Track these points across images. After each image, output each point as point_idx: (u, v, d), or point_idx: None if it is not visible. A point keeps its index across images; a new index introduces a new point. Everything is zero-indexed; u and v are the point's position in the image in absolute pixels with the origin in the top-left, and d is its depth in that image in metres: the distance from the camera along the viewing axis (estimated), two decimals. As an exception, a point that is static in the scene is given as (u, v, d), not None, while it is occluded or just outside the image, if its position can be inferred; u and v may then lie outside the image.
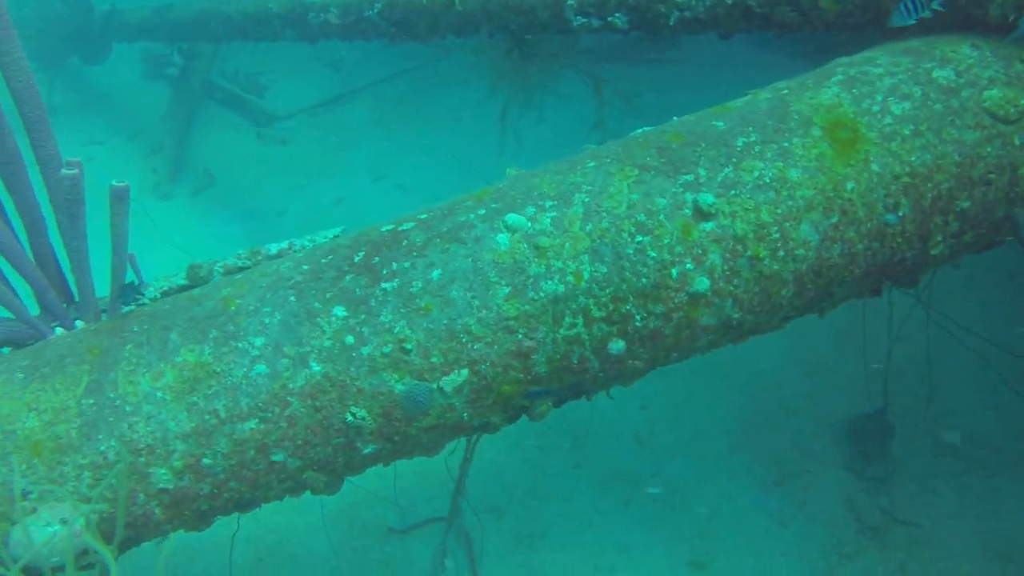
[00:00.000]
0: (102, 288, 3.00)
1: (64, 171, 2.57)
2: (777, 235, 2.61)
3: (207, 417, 2.41)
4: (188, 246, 6.74)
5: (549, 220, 2.58)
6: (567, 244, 2.54)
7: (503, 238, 2.55)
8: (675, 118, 3.08)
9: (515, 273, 2.51)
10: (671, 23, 3.68)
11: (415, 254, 2.55)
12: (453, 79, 9.06)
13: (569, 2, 4.00)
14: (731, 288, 2.63)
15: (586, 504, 4.66)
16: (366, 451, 2.57)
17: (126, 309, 3.00)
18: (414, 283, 2.50)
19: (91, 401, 2.42)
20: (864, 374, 4.94)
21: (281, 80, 9.77)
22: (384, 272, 2.53)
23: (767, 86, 3.05)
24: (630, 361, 2.71)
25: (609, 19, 3.90)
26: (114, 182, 2.65)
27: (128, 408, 2.41)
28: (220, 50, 9.06)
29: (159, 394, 2.42)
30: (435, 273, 2.51)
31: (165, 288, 3.09)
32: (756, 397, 5.07)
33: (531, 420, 2.82)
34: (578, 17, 4.00)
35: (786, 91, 2.90)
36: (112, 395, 2.42)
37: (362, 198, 7.73)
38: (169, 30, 7.85)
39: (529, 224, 2.57)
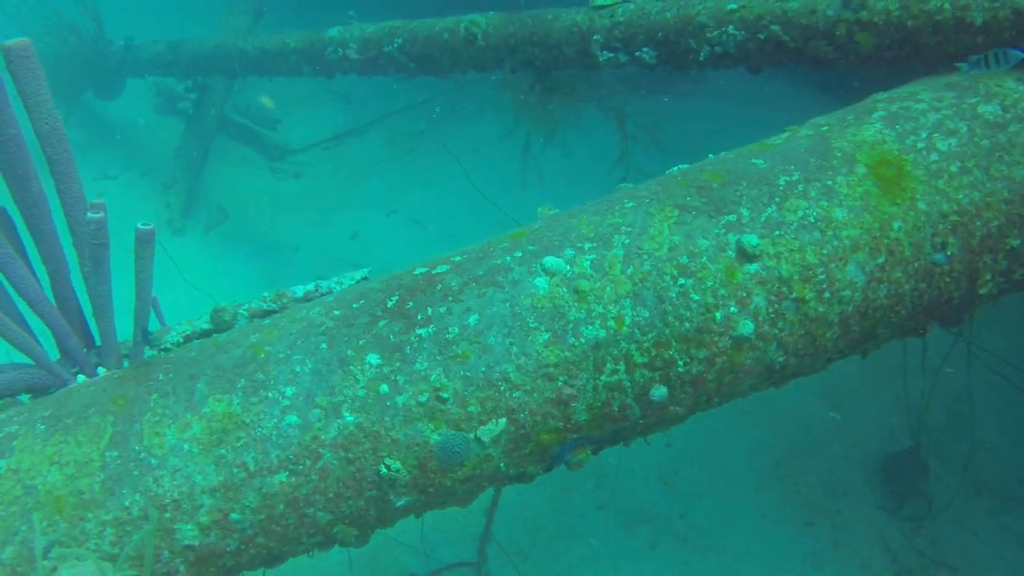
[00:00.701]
0: (123, 331, 2.93)
1: (90, 215, 2.50)
2: (823, 276, 2.53)
3: (235, 470, 2.32)
4: (202, 283, 6.68)
5: (588, 263, 2.50)
6: (608, 288, 2.46)
7: (541, 282, 2.47)
8: (711, 155, 3.02)
9: (554, 318, 2.43)
10: (701, 58, 3.63)
11: (450, 299, 2.47)
12: (466, 112, 9.06)
13: (595, 37, 3.96)
14: (776, 331, 2.55)
15: (612, 546, 4.53)
16: (399, 504, 2.47)
17: (149, 354, 2.92)
18: (450, 329, 2.41)
19: (115, 454, 2.33)
20: (894, 409, 4.81)
21: (294, 113, 9.77)
22: (419, 318, 2.44)
23: (805, 122, 2.99)
24: (672, 407, 2.62)
25: (637, 54, 3.85)
26: (140, 224, 2.58)
27: (154, 461, 2.32)
28: (232, 86, 9.07)
29: (186, 446, 2.33)
30: (472, 319, 2.42)
31: (188, 332, 3.01)
32: (784, 433, 4.95)
33: (569, 470, 2.72)
34: (605, 52, 3.95)
35: (826, 127, 2.84)
36: (137, 447, 2.33)
37: (377, 232, 7.68)
38: (183, 65, 7.86)
39: (568, 267, 2.49)
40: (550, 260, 2.50)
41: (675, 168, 2.97)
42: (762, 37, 3.39)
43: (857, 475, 4.73)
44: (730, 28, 3.47)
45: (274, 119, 9.57)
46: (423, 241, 7.38)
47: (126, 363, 2.92)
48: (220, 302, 3.29)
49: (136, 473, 2.30)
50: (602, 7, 3.98)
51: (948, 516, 4.47)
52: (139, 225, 2.58)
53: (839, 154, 2.68)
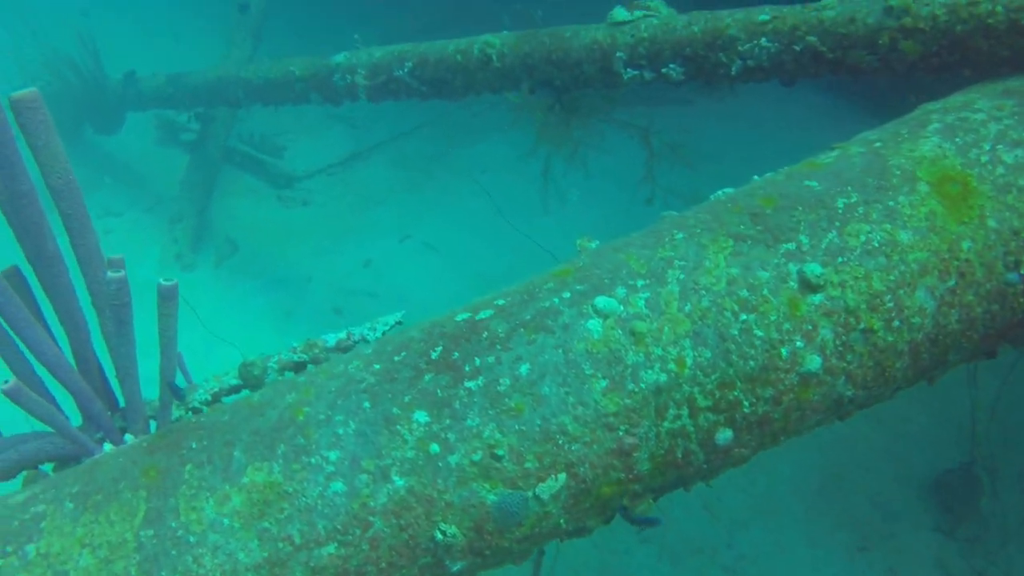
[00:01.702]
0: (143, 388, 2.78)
1: (110, 274, 2.36)
2: (891, 304, 2.38)
3: (280, 544, 2.16)
4: (215, 318, 6.54)
5: (643, 302, 2.35)
6: (666, 328, 2.31)
7: (595, 324, 2.32)
8: (755, 177, 2.87)
9: (611, 363, 2.27)
10: (732, 73, 3.49)
11: (499, 347, 2.32)
12: (473, 131, 8.93)
13: (618, 54, 3.82)
14: (844, 364, 2.39)
15: (658, 582, 4.36)
16: (455, 569, 2.31)
17: (176, 414, 2.77)
18: (501, 380, 2.26)
19: (151, 532, 2.17)
20: (938, 424, 4.64)
21: (298, 139, 9.64)
22: (467, 369, 2.29)
23: (853, 139, 2.85)
24: (737, 450, 2.46)
25: (663, 71, 3.70)
26: (162, 280, 2.44)
27: (192, 539, 2.16)
28: (235, 116, 8.94)
29: (226, 521, 2.17)
30: (523, 368, 2.27)
31: (216, 389, 2.86)
32: (829, 455, 4.79)
33: (629, 522, 2.56)
34: (628, 70, 3.81)
35: (879, 144, 2.69)
36: (174, 524, 2.18)
37: (390, 259, 7.53)
38: (185, 98, 7.74)
39: (621, 307, 2.34)
40: (602, 300, 2.35)
41: (720, 192, 2.83)
42: (798, 48, 3.25)
43: (907, 495, 4.56)
44: (763, 40, 3.33)
45: (278, 146, 9.44)
46: (437, 267, 7.23)
47: (152, 425, 2.77)
48: (236, 344, 3.13)
49: (174, 553, 2.14)
50: (623, 23, 3.84)
51: (1007, 535, 4.29)
52: (161, 281, 2.44)
53: (898, 172, 2.54)
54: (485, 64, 4.48)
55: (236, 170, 9.24)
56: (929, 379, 2.76)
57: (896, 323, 2.39)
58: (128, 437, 2.63)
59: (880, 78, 3.19)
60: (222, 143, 8.88)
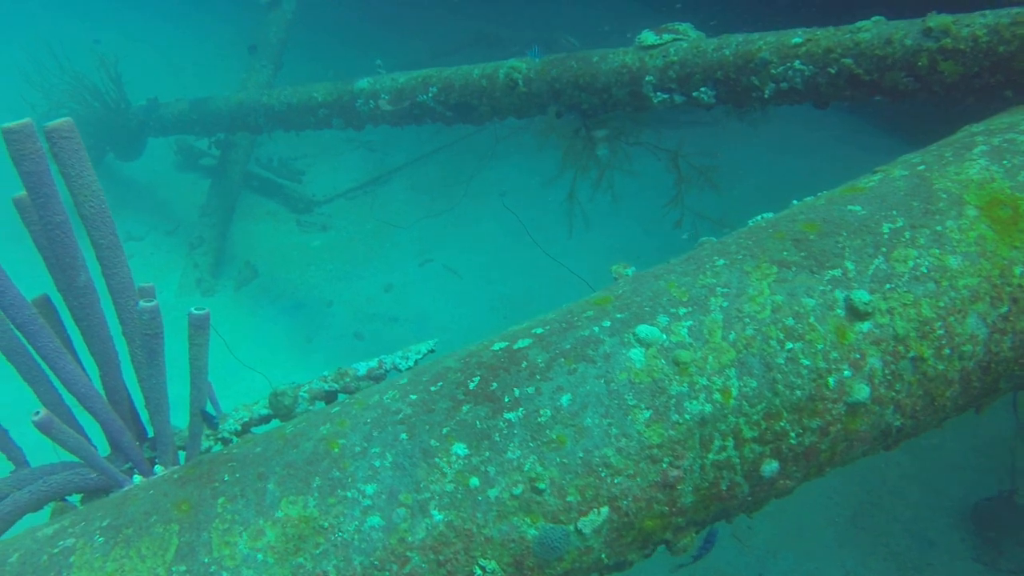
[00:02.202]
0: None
1: (142, 304, 2.32)
2: (941, 331, 2.31)
3: (316, 581, 2.09)
4: (236, 343, 6.51)
5: (686, 330, 2.29)
6: (710, 357, 2.25)
7: (637, 354, 2.26)
8: (794, 202, 2.82)
9: (655, 394, 2.21)
10: (765, 96, 3.44)
11: (538, 377, 2.26)
12: (493, 155, 8.93)
13: (648, 78, 3.79)
14: (892, 394, 2.32)
15: (690, 612, 4.26)
16: (493, 606, 2.24)
17: (205, 445, 2.72)
18: (542, 412, 2.20)
19: (183, 568, 2.12)
20: (973, 451, 4.53)
21: (317, 164, 9.67)
22: (506, 400, 2.23)
23: (894, 162, 2.79)
24: (782, 481, 2.39)
25: (694, 94, 3.66)
26: (193, 309, 2.41)
27: (225, 575, 2.10)
28: (255, 142, 8.99)
29: (260, 556, 2.12)
30: (564, 399, 2.21)
31: (246, 419, 2.82)
32: (861, 482, 4.68)
33: (672, 555, 2.48)
34: (658, 93, 3.78)
35: (923, 167, 2.63)
36: (206, 560, 2.12)
37: (411, 284, 7.49)
38: (206, 124, 7.78)
39: (664, 336, 2.28)
40: (644, 329, 2.29)
41: (758, 217, 2.78)
42: (832, 71, 3.21)
43: (944, 524, 4.44)
44: (796, 63, 3.29)
45: (297, 171, 9.46)
46: (459, 290, 7.19)
47: (182, 456, 2.72)
48: (262, 372, 3.09)
49: (207, 589, 2.08)
50: (652, 47, 3.82)
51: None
52: (192, 310, 2.40)
53: (944, 196, 2.48)
54: (511, 89, 4.47)
55: (255, 195, 9.26)
56: (977, 407, 2.68)
57: (947, 351, 2.32)
58: (158, 468, 2.58)
59: (918, 100, 3.14)
60: (242, 168, 8.91)
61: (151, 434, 2.72)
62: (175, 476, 2.39)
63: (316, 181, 9.39)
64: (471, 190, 8.53)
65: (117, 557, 2.16)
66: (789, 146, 8.31)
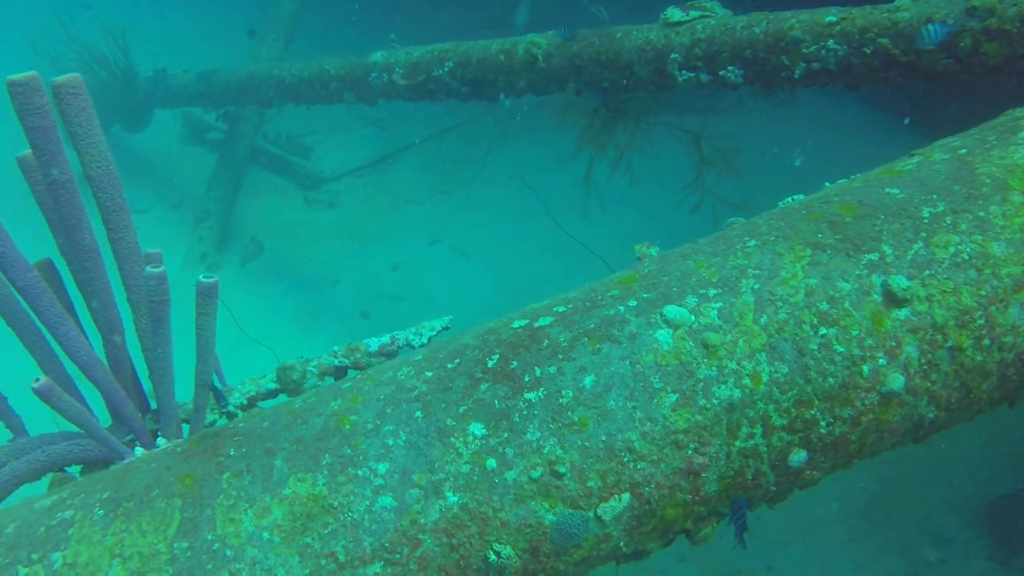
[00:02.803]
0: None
1: (148, 269, 2.23)
2: (982, 321, 2.21)
3: (324, 562, 2.01)
4: (241, 319, 6.41)
5: (716, 312, 2.19)
6: (740, 341, 2.15)
7: (664, 335, 2.16)
8: (827, 184, 2.71)
9: (682, 377, 2.12)
10: (796, 76, 3.33)
11: (560, 356, 2.17)
12: (505, 136, 8.80)
13: (673, 56, 3.67)
14: (928, 385, 2.23)
15: (697, 604, 4.18)
16: (506, 593, 2.15)
17: (210, 419, 2.64)
18: (563, 392, 2.11)
19: (185, 545, 2.03)
20: (988, 447, 4.44)
21: (326, 141, 9.55)
22: (526, 380, 2.14)
23: (932, 145, 2.68)
24: (808, 472, 2.30)
25: (721, 73, 3.55)
26: (201, 277, 2.31)
27: (229, 553, 2.02)
28: (264, 115, 8.86)
29: (265, 535, 2.03)
30: (587, 380, 2.12)
31: (252, 393, 2.73)
32: (874, 476, 4.59)
33: (693, 544, 2.40)
34: (684, 72, 3.66)
35: (964, 151, 2.52)
36: (210, 537, 2.04)
37: (419, 263, 7.39)
38: (215, 96, 7.66)
39: (693, 318, 2.18)
40: (671, 310, 2.19)
41: (789, 199, 2.67)
42: (868, 51, 3.09)
43: (958, 520, 4.35)
44: (830, 42, 3.17)
45: (306, 147, 9.34)
46: (467, 271, 7.09)
47: (185, 429, 2.64)
48: (270, 346, 3.01)
49: (210, 567, 2.00)
50: (679, 23, 3.70)
51: (1065, 566, 4.08)
52: (200, 278, 2.31)
53: (988, 180, 2.37)
54: (530, 64, 4.35)
55: (263, 170, 9.15)
56: (1011, 402, 2.59)
57: (986, 341, 2.22)
58: (160, 441, 2.50)
59: (958, 82, 3.02)
60: (250, 142, 8.80)
61: (154, 406, 2.63)
62: (179, 449, 2.30)
63: (325, 158, 9.28)
64: (482, 172, 8.41)
65: (117, 531, 2.07)
66: (801, 140, 8.17)
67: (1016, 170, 2.38)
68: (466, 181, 8.20)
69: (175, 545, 2.04)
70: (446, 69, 4.83)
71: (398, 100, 5.46)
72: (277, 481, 2.10)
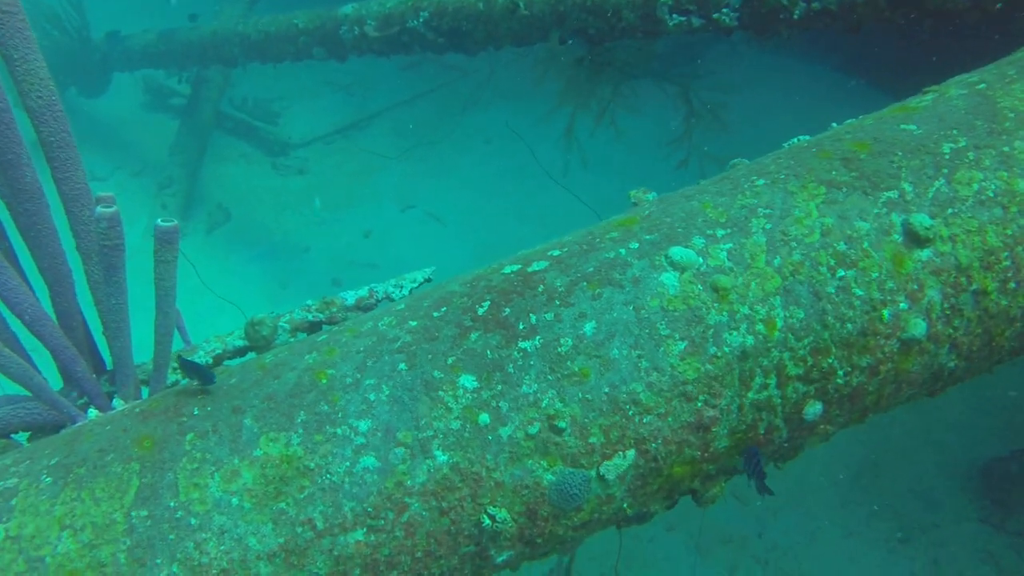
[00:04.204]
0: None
1: (100, 209, 2.00)
2: (1008, 263, 2.07)
3: (300, 529, 1.82)
4: (206, 288, 6.15)
5: (725, 253, 2.02)
6: (753, 283, 1.98)
7: (670, 278, 1.98)
8: (834, 125, 2.54)
9: (691, 323, 1.95)
10: (794, 17, 3.14)
11: (558, 302, 1.98)
12: (473, 101, 8.56)
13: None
14: (950, 331, 2.08)
15: (687, 572, 4.05)
16: (500, 559, 1.99)
17: (172, 379, 2.42)
18: (562, 340, 1.92)
19: (144, 513, 1.83)
20: (977, 410, 4.35)
21: (293, 106, 9.22)
22: (521, 327, 1.95)
23: (946, 82, 2.52)
24: (823, 426, 2.15)
25: (715, 16, 3.35)
26: (160, 221, 2.09)
27: (193, 521, 1.82)
28: (229, 78, 8.51)
29: (234, 500, 1.83)
30: (588, 327, 1.93)
31: (218, 352, 2.51)
32: (864, 441, 4.49)
33: (699, 506, 2.24)
34: (674, 16, 3.46)
35: (983, 85, 2.36)
36: (172, 503, 1.83)
37: (392, 229, 7.16)
38: (177, 55, 7.31)
39: (701, 260, 2.01)
40: (677, 251, 2.01)
41: (794, 140, 2.50)
42: (873, -13, 2.91)
43: (950, 484, 4.28)
44: (832, -22, 2.99)
45: (273, 112, 9.01)
46: (441, 237, 6.87)
47: (145, 391, 2.42)
48: (241, 308, 2.80)
49: (172, 537, 1.80)
50: (669, -37, 3.49)
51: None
52: (159, 221, 2.08)
53: (1012, 115, 2.21)
54: (511, 12, 4.12)
55: (228, 136, 8.81)
56: (1028, 354, 2.46)
57: (1012, 284, 2.08)
58: (116, 402, 2.27)
59: (968, 22, 2.86)
60: (215, 106, 8.45)
61: (110, 365, 2.41)
62: (136, 410, 2.08)
63: (293, 123, 8.96)
64: (455, 136, 8.17)
65: (67, 500, 1.86)
66: (775, 110, 8.03)
67: (1041, 103, 2.23)
68: (438, 146, 7.93)
69: (133, 513, 1.83)
70: (421, 20, 4.59)
71: (370, 55, 5.20)
72: (247, 441, 1.90)
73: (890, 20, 3.04)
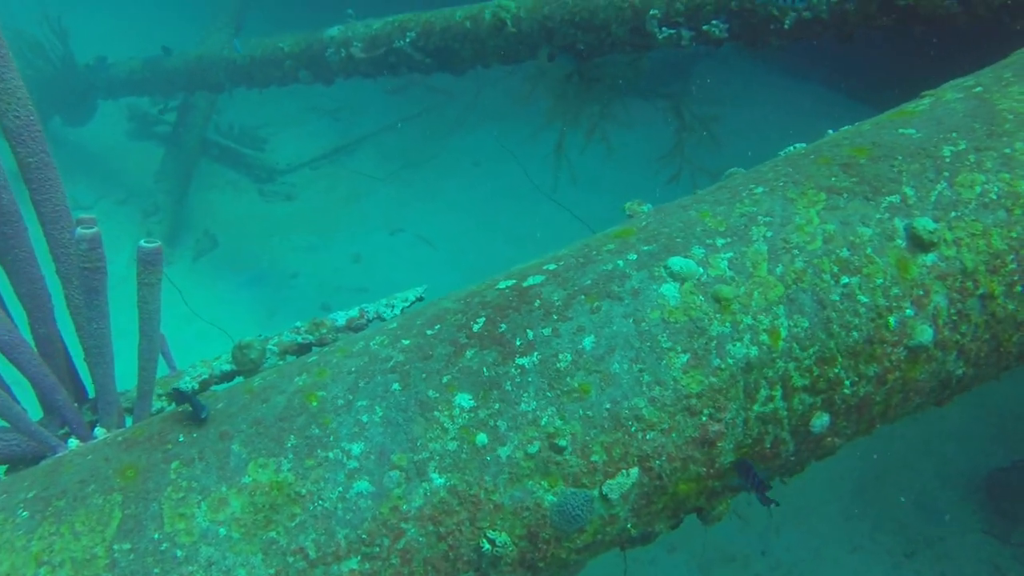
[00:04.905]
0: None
1: (80, 231, 1.93)
2: (1014, 265, 2.02)
3: (292, 559, 1.74)
4: (194, 316, 6.06)
5: (726, 263, 1.96)
6: (755, 293, 1.93)
7: (670, 289, 1.93)
8: (829, 131, 2.51)
9: (693, 335, 1.89)
10: (785, 27, 3.12)
11: (555, 317, 1.92)
12: (460, 124, 8.53)
13: (652, 12, 3.45)
14: (957, 337, 2.03)
15: (689, 595, 3.97)
16: (500, 586, 1.90)
17: (158, 406, 2.34)
18: (561, 356, 1.86)
19: (127, 546, 1.75)
20: (977, 419, 4.30)
21: (279, 133, 9.18)
22: (518, 343, 1.89)
23: (941, 87, 2.49)
24: (830, 439, 2.09)
25: (705, 28, 3.33)
26: (143, 242, 2.03)
27: (180, 553, 1.73)
28: (215, 104, 8.46)
29: (222, 530, 1.75)
30: (587, 341, 1.87)
31: (205, 376, 2.43)
32: (865, 453, 4.43)
33: (705, 524, 2.17)
34: (664, 29, 3.44)
35: (979, 88, 2.34)
36: (156, 536, 1.75)
37: (380, 253, 7.09)
38: (162, 82, 7.26)
39: (701, 270, 1.95)
40: (677, 262, 1.96)
41: (791, 148, 2.46)
42: (863, -5, 2.90)
43: (954, 496, 4.22)
44: (822, -13, 2.97)
45: (260, 139, 8.96)
46: (432, 260, 6.81)
47: (129, 420, 2.33)
48: (229, 334, 2.73)
49: (157, 571, 1.72)
50: (657, -24, 3.47)
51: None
52: (142, 242, 2.02)
53: (1011, 117, 2.18)
54: (498, 30, 4.10)
55: (215, 163, 8.75)
56: (1034, 361, 2.41)
57: (1019, 288, 2.03)
58: (99, 432, 2.19)
59: (955, 27, 2.84)
60: (200, 132, 8.39)
61: (92, 393, 2.33)
62: (119, 439, 2.00)
63: (279, 150, 8.91)
64: (442, 159, 8.13)
65: (45, 535, 1.77)
66: (759, 127, 8.03)
67: (1039, 105, 2.20)
68: (426, 169, 7.87)
69: (115, 547, 1.75)
70: (408, 40, 4.56)
71: (357, 77, 5.17)
72: (235, 468, 1.82)
73: (883, 27, 3.02)
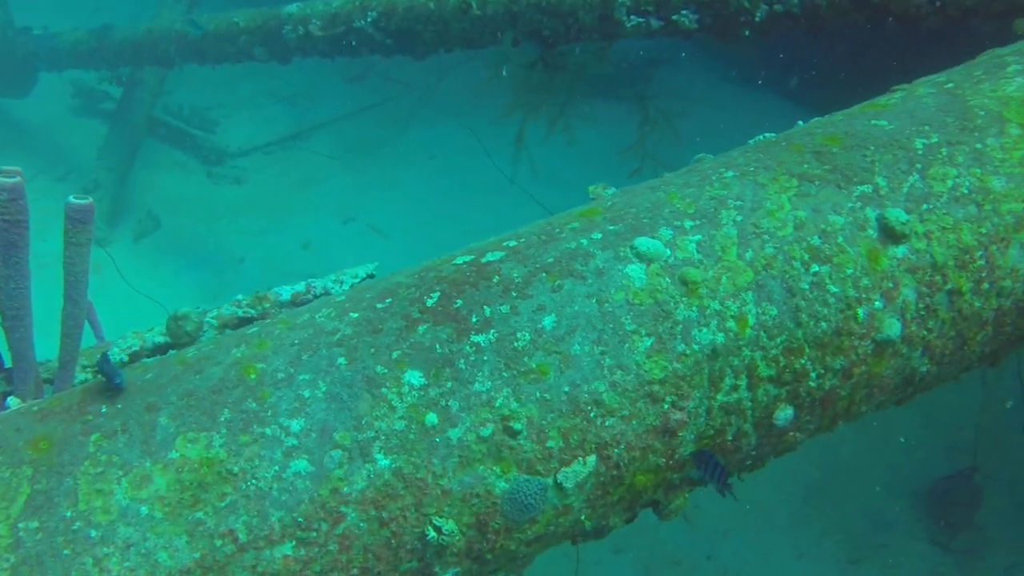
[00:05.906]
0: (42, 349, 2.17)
1: (0, 179, 1.77)
2: (982, 262, 1.99)
3: (219, 542, 1.60)
4: (131, 298, 5.81)
5: (694, 245, 1.89)
6: (724, 277, 1.85)
7: (635, 270, 1.84)
8: (800, 123, 2.46)
9: (658, 318, 1.80)
10: (756, 19, 3.08)
11: (514, 294, 1.82)
12: (418, 116, 8.40)
13: (621, 0, 3.37)
14: (924, 333, 2.00)
15: (634, 597, 3.90)
16: (445, 577, 1.79)
17: (81, 378, 2.17)
18: (519, 335, 1.76)
19: (34, 524, 1.59)
20: (923, 427, 4.33)
21: (233, 116, 8.92)
22: (474, 320, 1.78)
23: (913, 82, 2.46)
24: (792, 433, 2.03)
25: (674, 17, 3.27)
26: (71, 197, 1.87)
27: (94, 533, 1.58)
28: (164, 80, 8.18)
29: (144, 509, 1.60)
30: (547, 320, 1.77)
31: (135, 348, 2.27)
32: (814, 460, 4.43)
33: (661, 519, 2.09)
34: (632, 17, 3.37)
35: (951, 84, 2.31)
36: (69, 513, 1.59)
37: (331, 241, 6.91)
38: (110, 55, 6.96)
39: (668, 251, 1.87)
40: (644, 242, 1.87)
41: (760, 136, 2.40)
42: (836, -10, 2.86)
43: (900, 504, 4.23)
44: (795, -19, 2.93)
45: (211, 121, 8.69)
46: (384, 250, 6.66)
47: (48, 392, 2.16)
48: (166, 308, 2.60)
49: (67, 552, 1.56)
50: (627, -37, 3.40)
51: (1006, 546, 3.99)
52: (71, 198, 1.86)
53: (982, 113, 2.16)
54: (463, 12, 3.99)
55: (162, 143, 8.45)
56: (993, 360, 2.39)
57: (986, 285, 2.00)
58: (12, 402, 2.01)
59: (927, 26, 2.82)
60: (148, 108, 8.09)
61: (8, 362, 2.14)
62: (34, 408, 1.83)
63: (232, 133, 8.65)
64: (399, 150, 7.99)
65: (-56, 510, 1.60)
66: (721, 130, 8.07)
67: (1011, 102, 2.18)
68: (382, 160, 7.71)
69: (20, 525, 1.58)
70: (369, 19, 4.42)
71: (315, 56, 5.00)
72: (161, 442, 1.67)
73: (852, 22, 3.00)
